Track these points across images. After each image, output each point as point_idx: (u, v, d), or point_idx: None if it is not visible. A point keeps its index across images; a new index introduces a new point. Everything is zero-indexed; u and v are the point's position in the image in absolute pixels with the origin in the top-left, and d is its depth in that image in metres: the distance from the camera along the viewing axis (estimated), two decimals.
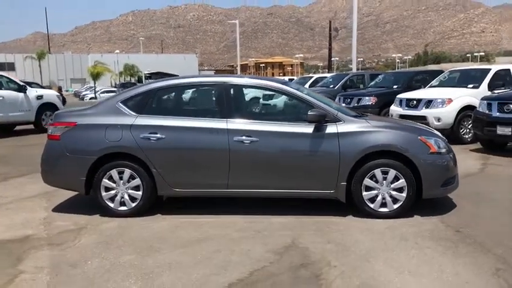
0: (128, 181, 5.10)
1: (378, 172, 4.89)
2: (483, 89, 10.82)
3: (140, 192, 5.10)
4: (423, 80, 13.97)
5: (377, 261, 3.80)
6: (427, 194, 4.94)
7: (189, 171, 5.06)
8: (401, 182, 4.87)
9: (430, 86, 12.25)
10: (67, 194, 6.02)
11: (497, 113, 8.78)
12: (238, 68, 44.50)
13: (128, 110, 5.18)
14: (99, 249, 4.17)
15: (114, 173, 5.09)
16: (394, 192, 4.91)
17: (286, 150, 4.96)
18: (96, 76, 56.50)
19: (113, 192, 5.13)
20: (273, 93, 5.44)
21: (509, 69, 11.41)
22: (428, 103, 10.77)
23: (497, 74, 11.19)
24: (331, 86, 16.88)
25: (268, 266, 3.75)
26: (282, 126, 5.02)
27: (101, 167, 5.09)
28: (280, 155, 4.97)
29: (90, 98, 50.00)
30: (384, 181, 4.89)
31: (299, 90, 5.31)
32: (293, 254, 4.02)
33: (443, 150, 5.01)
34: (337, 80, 17.48)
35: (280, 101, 5.39)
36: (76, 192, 5.96)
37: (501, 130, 8.64)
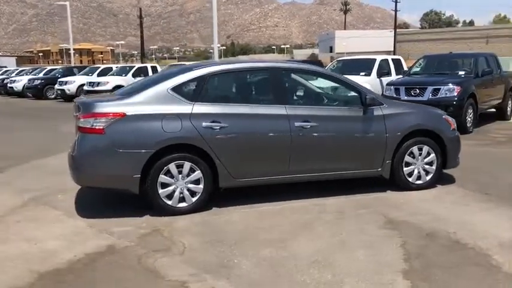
0: (188, 175, 4.66)
1: (415, 149, 5.44)
2: (373, 76, 12.46)
3: (201, 186, 4.71)
4: None
5: (479, 225, 4.30)
6: (449, 166, 5.70)
7: (253, 160, 4.88)
8: (432, 156, 5.52)
9: None
10: (69, 197, 5.21)
11: (405, 97, 10.23)
12: (72, 55, 40.47)
13: (182, 97, 4.70)
14: (221, 248, 3.81)
15: (172, 167, 4.59)
16: (426, 166, 5.53)
17: (342, 133, 5.16)
18: None
19: (171, 188, 4.62)
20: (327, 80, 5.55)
21: (387, 59, 13.32)
22: None
23: (381, 64, 12.94)
24: None
25: (408, 240, 3.94)
26: (336, 111, 5.22)
27: (155, 161, 4.54)
28: (338, 139, 5.15)
29: None
30: (419, 156, 5.48)
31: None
32: (406, 227, 4.29)
33: (455, 127, 5.83)
34: None
35: (329, 86, 5.52)
36: (82, 194, 5.26)
37: None
